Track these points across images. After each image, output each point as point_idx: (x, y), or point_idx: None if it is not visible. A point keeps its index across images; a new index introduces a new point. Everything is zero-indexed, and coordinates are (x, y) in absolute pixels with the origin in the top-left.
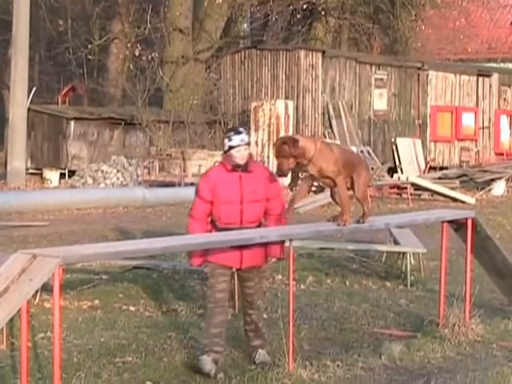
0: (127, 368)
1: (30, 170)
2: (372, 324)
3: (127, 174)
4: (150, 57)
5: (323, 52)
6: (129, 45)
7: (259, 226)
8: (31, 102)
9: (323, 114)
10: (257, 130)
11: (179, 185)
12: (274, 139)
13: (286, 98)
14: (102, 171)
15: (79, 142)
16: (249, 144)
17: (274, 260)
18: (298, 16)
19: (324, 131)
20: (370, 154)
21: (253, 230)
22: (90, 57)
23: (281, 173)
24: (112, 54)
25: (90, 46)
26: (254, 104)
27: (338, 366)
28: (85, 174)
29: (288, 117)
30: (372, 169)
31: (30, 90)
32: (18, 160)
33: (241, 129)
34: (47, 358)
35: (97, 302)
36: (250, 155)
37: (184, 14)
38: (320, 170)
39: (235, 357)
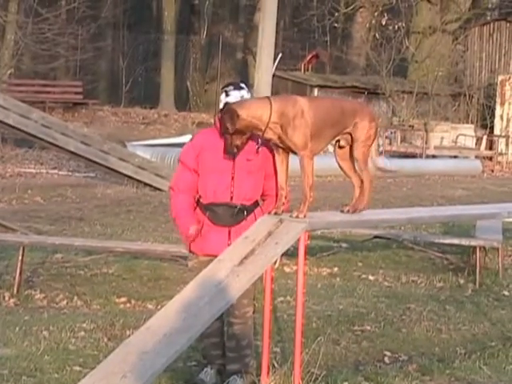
0: (366, 336)
1: None
2: None
3: None
4: (396, 26)
5: None
6: (375, 14)
7: (255, 206)
8: (276, 68)
9: None
10: (502, 104)
11: (420, 156)
12: None
13: None
14: None
15: None
16: None
17: None
18: None
19: None
20: None
21: (496, 206)
22: (335, 25)
23: (226, 151)
24: (357, 22)
25: (336, 14)
26: (501, 77)
27: None
28: None
29: None
30: None
31: (275, 56)
32: None
33: (242, 84)
34: (286, 322)
35: (336, 269)
36: None
37: None
38: (280, 138)
39: (475, 332)
